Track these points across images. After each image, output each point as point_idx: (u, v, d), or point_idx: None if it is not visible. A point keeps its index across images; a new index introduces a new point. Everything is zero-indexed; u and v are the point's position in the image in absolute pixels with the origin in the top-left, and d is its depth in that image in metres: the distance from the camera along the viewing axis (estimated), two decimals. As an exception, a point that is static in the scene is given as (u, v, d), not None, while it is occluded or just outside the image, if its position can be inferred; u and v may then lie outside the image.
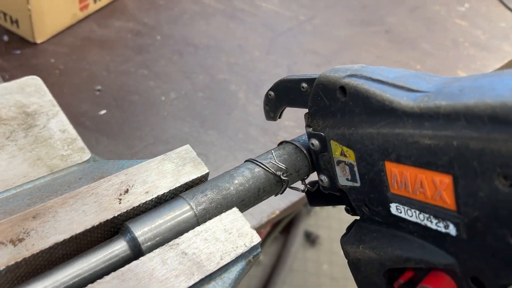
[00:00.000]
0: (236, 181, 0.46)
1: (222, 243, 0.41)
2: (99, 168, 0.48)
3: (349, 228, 0.49)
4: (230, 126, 0.95)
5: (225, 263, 0.40)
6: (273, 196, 0.50)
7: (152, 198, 0.43)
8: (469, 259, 0.36)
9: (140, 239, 0.40)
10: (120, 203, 0.42)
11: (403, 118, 0.37)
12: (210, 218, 0.43)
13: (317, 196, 0.56)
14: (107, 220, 0.40)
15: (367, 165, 0.41)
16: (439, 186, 0.36)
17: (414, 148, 0.36)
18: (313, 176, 0.52)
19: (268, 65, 1.10)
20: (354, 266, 0.47)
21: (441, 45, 1.29)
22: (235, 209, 0.44)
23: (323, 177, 0.49)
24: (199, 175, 0.46)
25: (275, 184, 0.48)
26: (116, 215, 0.41)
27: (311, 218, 2.47)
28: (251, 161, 0.48)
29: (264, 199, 0.49)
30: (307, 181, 0.53)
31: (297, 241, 2.35)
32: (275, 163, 0.48)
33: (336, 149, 0.45)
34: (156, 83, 0.99)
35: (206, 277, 0.39)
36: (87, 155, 0.59)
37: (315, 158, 0.48)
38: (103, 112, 0.91)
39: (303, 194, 0.54)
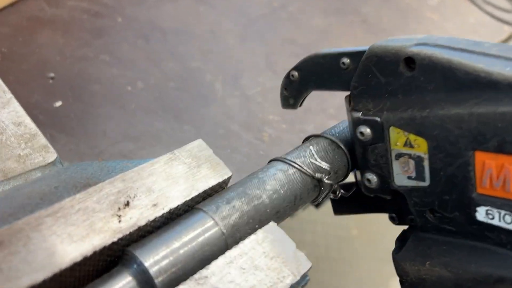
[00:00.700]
0: (268, 187, 0.35)
1: (264, 273, 0.30)
2: (82, 172, 0.35)
3: (401, 240, 0.40)
4: (208, 121, 0.84)
5: (273, 300, 0.29)
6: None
7: (163, 213, 0.31)
8: None
9: (152, 271, 0.29)
10: (120, 221, 0.30)
11: (509, 93, 0.29)
12: (241, 238, 0.32)
13: (345, 202, 0.47)
14: (104, 246, 0.28)
15: (446, 157, 0.32)
16: None
17: None
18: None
19: (245, 53, 0.99)
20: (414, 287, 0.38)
21: (418, 37, 1.25)
22: (272, 225, 0.34)
23: (371, 176, 0.39)
24: (220, 180, 0.35)
25: (313, 190, 0.38)
26: (116, 239, 0.29)
27: (294, 221, 2.39)
28: (281, 161, 0.38)
29: (299, 209, 0.38)
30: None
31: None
32: (314, 161, 0.37)
33: (398, 138, 0.35)
34: (120, 71, 0.85)
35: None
36: (52, 154, 0.46)
37: (361, 151, 0.38)
38: (58, 103, 0.76)
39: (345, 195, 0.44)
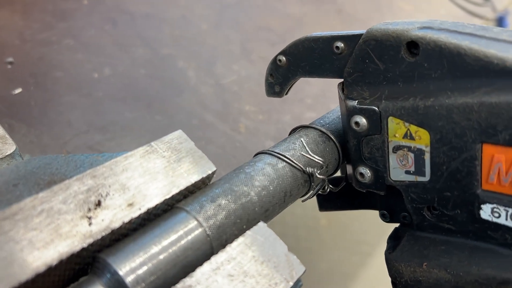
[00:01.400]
0: (257, 183, 0.32)
1: (254, 280, 0.27)
2: (45, 167, 0.31)
3: (394, 239, 0.37)
4: (182, 110, 0.80)
5: (266, 311, 0.26)
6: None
7: (140, 214, 0.27)
8: None
9: (128, 281, 0.25)
10: (90, 224, 0.26)
11: None
12: (228, 240, 0.29)
13: (332, 198, 0.44)
14: (72, 254, 0.24)
15: (451, 150, 0.30)
16: None
17: None
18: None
19: (219, 40, 0.95)
20: None
21: (392, 28, 1.24)
22: (262, 225, 0.30)
23: (365, 170, 0.36)
24: (203, 175, 0.31)
25: (303, 185, 0.35)
26: (85, 244, 0.25)
27: (277, 226, 2.37)
28: (269, 154, 0.35)
29: (286, 207, 0.35)
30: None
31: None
32: (305, 154, 0.34)
33: (397, 129, 0.33)
34: (85, 56, 0.80)
35: None
36: (10, 146, 0.41)
37: (355, 143, 0.35)
38: (18, 91, 0.70)
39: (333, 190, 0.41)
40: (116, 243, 0.27)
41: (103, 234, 0.26)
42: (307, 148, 0.35)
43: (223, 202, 0.30)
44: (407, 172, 0.34)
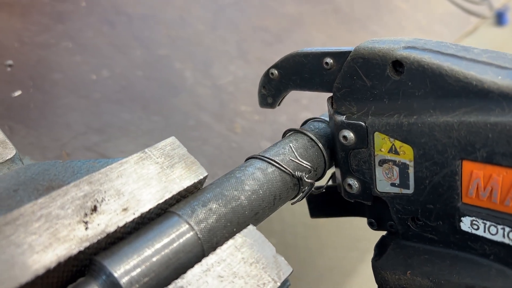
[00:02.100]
0: (247, 187, 0.33)
1: (243, 280, 0.29)
2: (44, 173, 0.32)
3: (381, 247, 0.39)
4: (178, 111, 0.81)
5: (254, 310, 0.27)
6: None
7: (134, 218, 0.29)
8: None
9: (122, 282, 0.27)
10: (86, 228, 0.27)
11: (501, 103, 0.28)
12: (219, 243, 0.31)
13: (322, 205, 0.46)
14: (70, 257, 0.26)
15: (433, 165, 0.32)
16: None
17: None
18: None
19: (216, 40, 0.96)
20: None
21: (388, 27, 1.25)
22: (251, 228, 0.32)
23: (353, 181, 0.37)
24: (195, 180, 0.32)
25: (292, 188, 0.36)
26: (82, 248, 0.26)
27: (275, 223, 2.39)
28: (260, 158, 0.36)
29: (276, 209, 0.37)
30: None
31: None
32: (294, 159, 0.36)
33: (383, 144, 0.34)
34: (83, 58, 0.81)
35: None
36: (10, 151, 0.42)
37: (343, 156, 0.37)
38: (17, 93, 0.72)
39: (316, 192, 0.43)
40: (112, 246, 0.28)
41: (99, 238, 0.28)
42: (295, 153, 0.36)
43: (214, 206, 0.32)
44: (392, 185, 0.35)
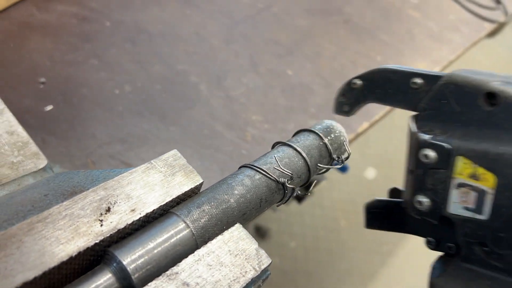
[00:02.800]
0: (236, 192, 0.40)
1: (228, 268, 0.35)
2: (69, 181, 0.40)
3: (440, 265, 0.40)
4: (193, 121, 0.88)
5: (235, 292, 0.33)
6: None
7: (140, 217, 0.36)
8: None
9: (129, 269, 0.33)
10: (101, 225, 0.34)
11: None
12: (210, 238, 0.37)
13: (380, 218, 0.47)
14: (88, 247, 0.33)
15: None
16: None
17: None
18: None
19: (229, 55, 1.03)
20: None
21: (398, 36, 1.29)
22: (238, 226, 0.38)
23: (424, 199, 0.39)
24: (192, 186, 0.39)
25: (277, 193, 0.42)
26: (98, 240, 0.33)
27: (282, 214, 2.45)
28: (250, 167, 0.42)
29: (265, 210, 0.43)
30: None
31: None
32: (277, 168, 0.42)
33: (464, 168, 0.36)
34: (108, 75, 0.89)
35: (217, 313, 0.32)
36: (42, 161, 0.50)
37: (419, 173, 0.38)
38: (49, 108, 0.80)
39: (303, 197, 0.48)
40: (122, 240, 0.35)
41: (112, 233, 0.34)
42: (279, 163, 0.42)
43: (207, 208, 0.38)
44: (466, 208, 0.37)
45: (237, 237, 0.37)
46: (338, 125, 0.49)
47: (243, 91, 0.97)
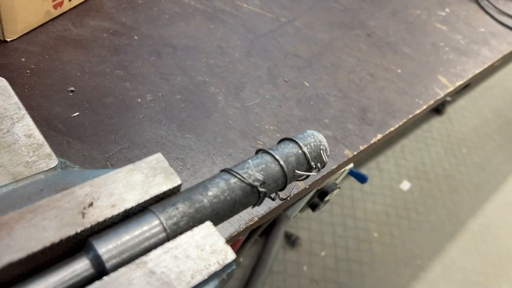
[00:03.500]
0: (210, 193, 0.43)
1: (193, 261, 0.39)
2: (63, 179, 0.45)
3: None
4: (209, 129, 0.93)
5: (196, 282, 0.37)
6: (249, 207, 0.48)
7: (119, 212, 0.40)
8: None
9: (104, 257, 0.37)
10: (83, 217, 0.39)
11: None
12: (181, 233, 0.41)
13: None
14: (69, 236, 0.38)
15: None
16: None
17: None
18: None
19: (249, 67, 1.07)
20: None
21: (422, 49, 1.29)
22: (208, 223, 0.42)
23: None
24: (170, 187, 0.43)
25: (252, 196, 0.46)
26: (78, 230, 0.38)
27: (291, 220, 2.47)
28: (227, 171, 0.46)
29: (240, 211, 0.46)
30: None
31: (277, 243, 2.35)
32: (252, 173, 0.45)
33: None
34: (132, 85, 0.96)
35: (175, 299, 0.36)
36: (53, 161, 0.55)
37: None
38: (75, 114, 0.87)
39: (282, 201, 0.52)
40: (101, 232, 0.40)
41: (92, 224, 0.39)
42: (253, 168, 0.46)
43: (181, 206, 0.42)
44: None
45: (205, 233, 0.41)
46: (319, 135, 0.52)
47: (258, 102, 1.01)
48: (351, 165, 1.06)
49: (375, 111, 1.08)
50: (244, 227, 0.80)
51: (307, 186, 0.86)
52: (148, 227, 0.40)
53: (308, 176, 0.49)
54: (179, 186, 0.44)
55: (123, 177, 0.43)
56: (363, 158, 2.90)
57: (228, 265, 0.40)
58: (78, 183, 0.44)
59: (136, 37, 1.07)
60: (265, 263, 2.27)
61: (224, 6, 1.24)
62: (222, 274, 0.40)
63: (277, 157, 0.48)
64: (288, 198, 0.50)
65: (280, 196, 0.49)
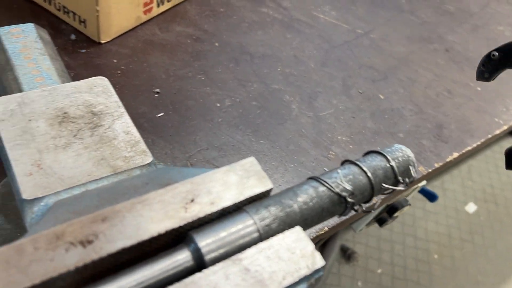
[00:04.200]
0: (300, 199, 0.45)
1: (284, 263, 0.40)
2: (165, 175, 0.49)
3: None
4: (282, 136, 0.95)
5: (287, 284, 0.39)
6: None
7: (217, 210, 0.43)
8: None
9: (203, 250, 0.40)
10: (185, 212, 0.42)
11: None
12: (272, 235, 0.43)
13: None
14: (173, 228, 0.41)
15: None
16: None
17: None
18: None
19: (323, 77, 1.09)
20: None
21: (504, 67, 1.24)
22: (298, 228, 0.44)
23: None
24: (263, 190, 0.45)
25: (339, 205, 0.47)
26: (181, 224, 0.41)
27: (349, 233, 2.43)
28: (316, 179, 0.48)
29: (326, 219, 0.48)
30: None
31: (332, 255, 2.32)
32: (340, 183, 0.47)
33: None
34: (212, 90, 1.00)
35: (269, 296, 0.38)
36: (149, 158, 0.60)
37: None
38: (160, 114, 0.93)
39: (365, 213, 0.53)
40: (201, 226, 0.43)
41: (193, 219, 0.42)
42: (342, 178, 0.47)
43: (273, 209, 0.44)
44: None
45: (296, 237, 0.43)
46: (408, 150, 0.53)
47: (332, 112, 1.02)
48: (424, 182, 1.04)
49: (451, 128, 1.06)
50: (314, 235, 0.81)
51: (380, 201, 0.86)
52: (242, 226, 0.42)
53: (394, 190, 0.50)
54: (270, 190, 0.46)
55: (220, 177, 0.46)
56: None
57: (317, 271, 0.41)
58: (178, 180, 0.47)
59: (217, 44, 1.12)
60: (319, 274, 2.26)
61: (301, 16, 1.27)
62: (310, 279, 0.41)
63: (365, 169, 0.49)
64: (372, 211, 0.51)
65: (364, 208, 0.50)
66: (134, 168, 0.58)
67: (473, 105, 1.13)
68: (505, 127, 1.09)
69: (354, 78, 1.11)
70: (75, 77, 0.94)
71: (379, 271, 2.27)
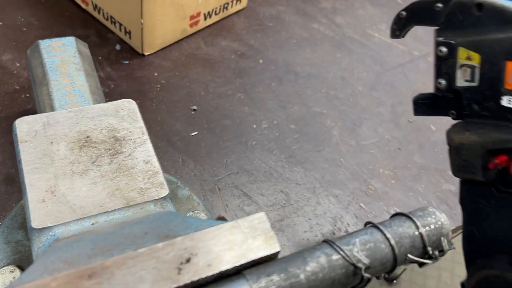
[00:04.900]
0: (308, 268, 0.41)
1: None
2: (168, 223, 0.46)
3: (451, 127, 0.59)
4: (318, 165, 0.90)
5: None
6: None
7: (214, 273, 0.39)
8: None
9: None
10: (179, 273, 0.39)
11: None
12: (272, 308, 0.39)
13: (422, 106, 0.64)
14: (162, 292, 0.37)
15: (490, 65, 0.51)
16: None
17: None
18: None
19: (370, 102, 1.02)
20: (456, 151, 0.58)
21: None
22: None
23: (442, 81, 0.57)
24: (268, 253, 0.41)
25: (353, 277, 0.42)
26: (172, 287, 0.38)
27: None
28: (330, 244, 0.43)
29: (337, 291, 0.43)
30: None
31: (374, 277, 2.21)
32: (356, 254, 0.41)
33: (463, 54, 0.54)
34: (250, 109, 0.97)
35: None
36: (164, 191, 0.57)
37: (438, 64, 0.57)
38: (194, 133, 0.91)
39: (388, 282, 0.47)
40: (193, 290, 0.39)
41: (186, 283, 0.39)
42: (359, 246, 0.42)
43: (275, 278, 0.40)
44: (466, 80, 0.55)
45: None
46: (442, 215, 0.46)
47: (376, 141, 0.95)
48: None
49: (510, 169, 0.95)
50: None
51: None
52: (239, 295, 0.39)
53: (420, 263, 0.44)
54: (277, 253, 0.42)
55: (223, 234, 0.42)
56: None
57: None
58: (180, 231, 0.44)
59: (261, 61, 1.08)
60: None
61: (353, 34, 1.20)
62: None
63: (388, 235, 0.43)
64: (395, 282, 0.45)
65: (386, 276, 0.44)
66: (148, 201, 0.56)
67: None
68: None
69: (405, 105, 1.04)
70: (115, 89, 0.94)
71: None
